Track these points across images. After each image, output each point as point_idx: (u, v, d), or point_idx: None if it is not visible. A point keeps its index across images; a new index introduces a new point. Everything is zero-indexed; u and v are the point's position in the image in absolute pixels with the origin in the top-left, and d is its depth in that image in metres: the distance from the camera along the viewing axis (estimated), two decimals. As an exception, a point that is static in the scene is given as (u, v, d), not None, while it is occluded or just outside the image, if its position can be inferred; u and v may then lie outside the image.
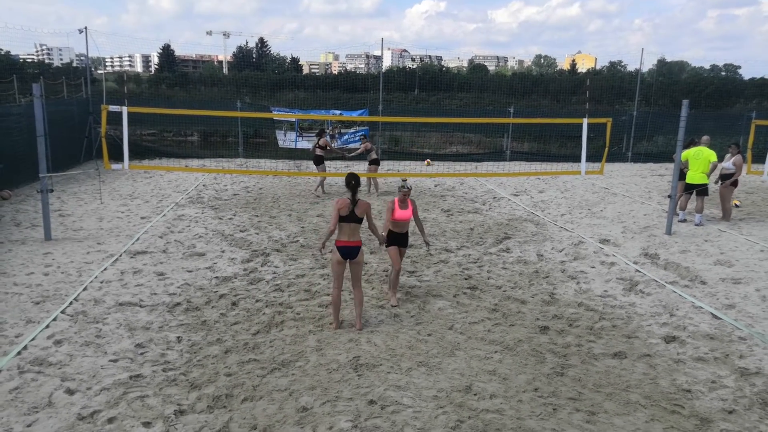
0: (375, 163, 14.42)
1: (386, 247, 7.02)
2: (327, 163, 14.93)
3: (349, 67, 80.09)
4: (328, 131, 15.82)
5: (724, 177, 11.71)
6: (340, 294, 6.29)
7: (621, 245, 9.90)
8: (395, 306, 6.97)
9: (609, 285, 7.93)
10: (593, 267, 8.71)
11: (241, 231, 10.41)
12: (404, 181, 7.00)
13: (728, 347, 6.00)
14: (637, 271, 8.50)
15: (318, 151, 14.22)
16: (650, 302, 7.29)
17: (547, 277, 8.24)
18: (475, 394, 4.97)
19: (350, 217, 6.07)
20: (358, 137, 20.90)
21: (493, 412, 4.69)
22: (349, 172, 6.37)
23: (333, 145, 14.60)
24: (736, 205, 13.05)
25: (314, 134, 20.69)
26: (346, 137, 20.45)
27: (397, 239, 7.07)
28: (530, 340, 6.11)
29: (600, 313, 6.90)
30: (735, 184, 11.68)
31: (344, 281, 6.61)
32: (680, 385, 5.23)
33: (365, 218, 6.22)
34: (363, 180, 15.21)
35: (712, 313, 6.89)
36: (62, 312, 6.45)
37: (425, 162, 20.09)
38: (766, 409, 4.85)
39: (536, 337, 6.20)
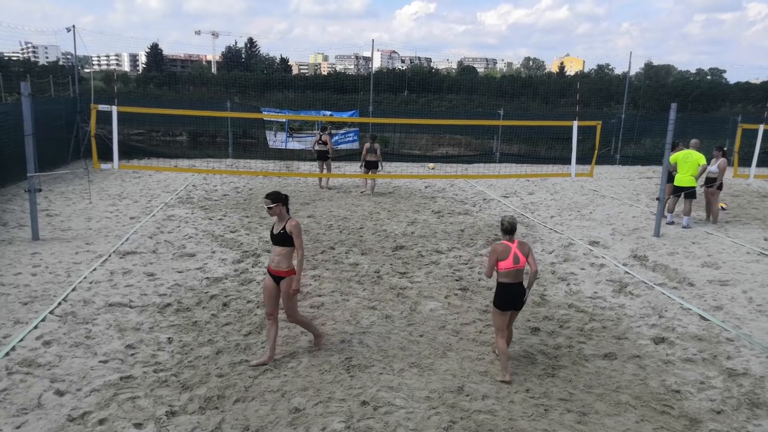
0: (369, 166, 14.26)
1: (493, 307, 5.39)
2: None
3: (339, 68, 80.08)
4: (329, 129, 15.95)
5: (709, 181, 11.85)
6: None
7: (610, 247, 9.98)
8: (506, 381, 5.27)
9: (599, 287, 7.99)
10: (583, 269, 8.77)
11: (231, 231, 10.36)
12: (508, 217, 5.44)
13: (716, 348, 6.08)
14: (626, 272, 8.57)
15: (322, 147, 14.56)
16: (639, 304, 7.36)
17: (537, 278, 8.27)
18: (467, 395, 4.99)
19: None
20: (349, 137, 20.90)
21: (485, 413, 4.71)
22: (273, 190, 5.51)
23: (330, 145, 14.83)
24: (723, 208, 13.20)
25: (304, 134, 20.73)
26: (336, 138, 20.43)
27: (509, 294, 5.28)
28: (521, 342, 6.14)
29: (590, 315, 6.95)
30: (720, 187, 11.82)
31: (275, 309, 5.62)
32: (669, 385, 5.29)
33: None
34: (358, 181, 15.24)
35: (700, 315, 6.97)
36: (51, 312, 6.39)
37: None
38: (754, 409, 4.92)
39: (527, 339, 6.24)
